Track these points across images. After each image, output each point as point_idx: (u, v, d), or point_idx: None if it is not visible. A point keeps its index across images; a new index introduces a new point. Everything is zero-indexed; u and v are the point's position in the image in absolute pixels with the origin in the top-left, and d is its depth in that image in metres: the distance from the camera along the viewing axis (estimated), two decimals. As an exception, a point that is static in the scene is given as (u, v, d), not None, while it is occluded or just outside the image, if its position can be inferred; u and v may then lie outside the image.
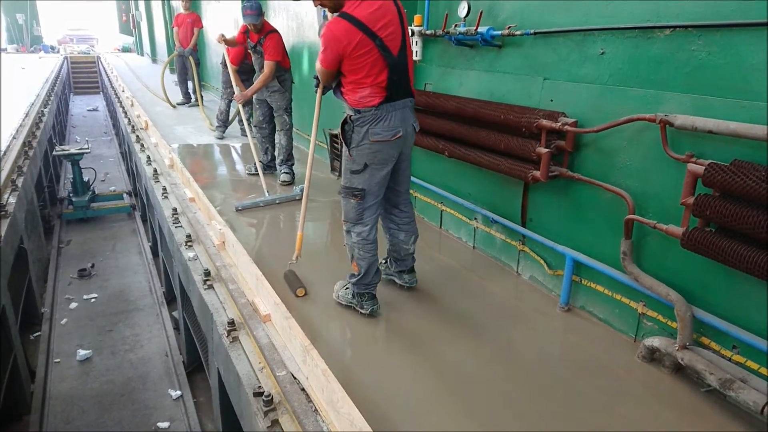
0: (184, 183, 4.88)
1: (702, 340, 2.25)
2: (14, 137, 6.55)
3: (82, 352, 4.79)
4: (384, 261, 3.14)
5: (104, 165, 11.25)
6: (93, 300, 5.87)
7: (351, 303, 2.87)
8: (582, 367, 2.42)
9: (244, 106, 5.59)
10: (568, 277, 2.77)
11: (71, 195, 7.88)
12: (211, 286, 3.16)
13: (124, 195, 8.70)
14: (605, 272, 2.57)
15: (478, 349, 2.54)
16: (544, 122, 2.60)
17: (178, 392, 4.39)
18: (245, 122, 5.61)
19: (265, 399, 2.17)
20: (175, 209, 4.38)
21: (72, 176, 7.86)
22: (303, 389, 2.23)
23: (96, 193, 8.36)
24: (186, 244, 3.77)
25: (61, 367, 4.65)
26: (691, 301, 2.23)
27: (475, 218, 3.52)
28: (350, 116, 2.58)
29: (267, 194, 4.87)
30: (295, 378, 2.29)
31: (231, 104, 7.26)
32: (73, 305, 5.71)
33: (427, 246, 3.69)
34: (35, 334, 4.97)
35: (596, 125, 2.49)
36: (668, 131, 2.19)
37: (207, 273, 3.22)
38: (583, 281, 2.78)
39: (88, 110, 17.59)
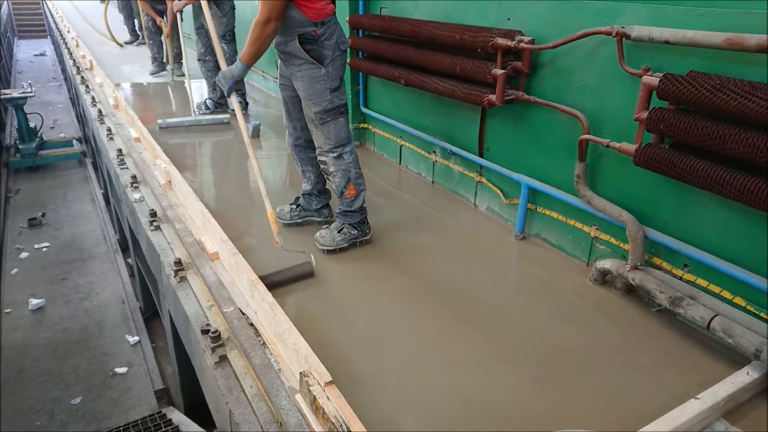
0: (129, 123, 4.62)
1: (654, 260, 2.24)
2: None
3: (34, 302, 4.64)
4: (295, 205, 2.98)
5: (53, 111, 10.69)
6: (45, 249, 5.66)
7: (354, 239, 2.72)
8: (535, 293, 2.40)
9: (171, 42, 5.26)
10: (524, 205, 2.72)
11: (17, 142, 7.46)
12: (158, 227, 3.03)
13: (74, 141, 8.30)
14: (560, 198, 2.53)
15: (431, 283, 2.48)
16: (500, 41, 2.46)
17: (136, 338, 4.31)
18: (169, 58, 5.26)
19: (212, 336, 2.09)
20: (120, 150, 4.16)
21: (17, 123, 7.43)
22: (251, 324, 2.16)
23: (44, 140, 7.96)
24: (132, 186, 3.60)
25: (12, 317, 4.50)
26: (643, 221, 2.20)
27: (434, 151, 3.41)
28: (312, 32, 2.37)
29: (194, 114, 4.71)
30: (243, 314, 2.21)
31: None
32: (24, 255, 5.49)
33: (386, 183, 3.59)
34: (-18, 285, 4.77)
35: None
36: (625, 45, 2.09)
37: (153, 214, 3.08)
38: (538, 209, 2.73)
39: (35, 55, 16.57)
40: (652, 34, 1.91)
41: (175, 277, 2.56)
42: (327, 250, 2.69)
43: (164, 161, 3.52)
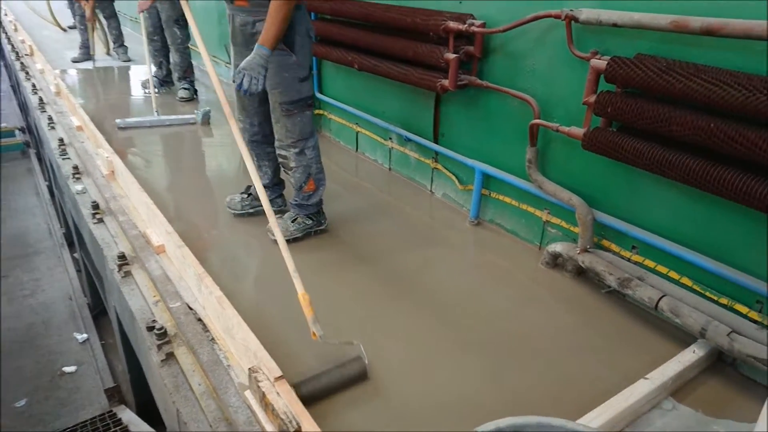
0: (71, 111, 4.39)
1: (603, 242, 2.27)
2: None
3: (-28, 301, 4.39)
4: (246, 194, 2.85)
5: (-8, 100, 10.09)
6: (-16, 245, 5.35)
7: (308, 229, 2.64)
8: (490, 279, 2.41)
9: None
10: (478, 191, 2.71)
11: (-49, 133, 7.02)
12: (101, 220, 2.89)
13: (17, 131, 7.85)
14: (513, 183, 2.53)
15: (389, 272, 2.44)
16: (452, 24, 2.42)
17: (84, 335, 4.13)
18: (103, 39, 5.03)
19: (157, 332, 2.01)
20: (61, 140, 3.96)
21: (-51, 112, 6.98)
22: (199, 319, 2.08)
23: (-18, 130, 7.50)
24: (74, 177, 3.42)
25: (-51, 317, 4.25)
26: (592, 204, 2.22)
27: (390, 138, 3.37)
28: None
29: (156, 114, 4.44)
30: (191, 309, 2.13)
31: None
32: (-39, 252, 5.18)
33: (343, 171, 3.53)
34: None
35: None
36: (574, 28, 2.08)
37: (95, 206, 2.94)
38: (492, 194, 2.73)
39: (-29, 40, 15.58)
40: (600, 17, 1.91)
41: (119, 271, 2.46)
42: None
43: (107, 150, 3.36)
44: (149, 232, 2.56)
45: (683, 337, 1.95)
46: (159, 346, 1.99)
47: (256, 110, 2.56)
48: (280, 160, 2.57)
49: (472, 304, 2.24)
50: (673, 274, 2.02)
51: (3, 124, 8.41)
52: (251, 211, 2.85)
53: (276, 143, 2.53)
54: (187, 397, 1.80)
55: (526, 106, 2.36)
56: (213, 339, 1.98)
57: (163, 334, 2.01)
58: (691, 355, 1.83)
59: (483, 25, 2.41)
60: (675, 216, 1.99)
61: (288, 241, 2.55)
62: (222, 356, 1.89)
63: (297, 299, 1.91)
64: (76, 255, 4.87)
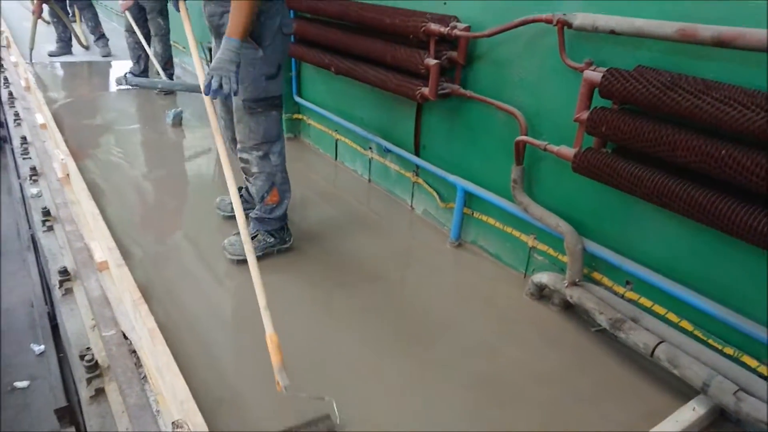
0: (37, 107, 4.13)
1: (594, 275, 2.03)
2: None
3: None
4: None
5: (-27, 92, 9.82)
6: (-54, 246, 5.08)
7: (271, 247, 2.41)
8: (470, 307, 2.17)
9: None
10: (459, 209, 2.47)
11: (-77, 126, 6.74)
12: (50, 228, 2.67)
13: (-8, 126, 7.58)
14: (496, 203, 2.29)
15: (362, 293, 2.21)
16: (433, 27, 2.18)
17: (42, 347, 3.87)
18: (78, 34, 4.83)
19: (87, 364, 1.77)
20: (24, 138, 3.72)
21: None
22: (134, 351, 1.83)
23: (-43, 123, 7.23)
24: (31, 179, 3.18)
25: None
26: (582, 232, 1.98)
27: (370, 147, 3.13)
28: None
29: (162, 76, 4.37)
30: (126, 338, 1.88)
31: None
32: None
33: (322, 180, 3.29)
34: None
35: (491, 31, 2.10)
36: (567, 35, 1.85)
37: (46, 212, 2.71)
38: (474, 214, 2.49)
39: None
40: (597, 23, 1.67)
41: (59, 288, 2.23)
42: (237, 260, 2.36)
43: (63, 152, 3.11)
44: (93, 245, 2.31)
45: (682, 389, 1.71)
46: (89, 380, 1.76)
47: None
48: (241, 165, 2.33)
49: (451, 334, 2.01)
50: (672, 316, 1.79)
51: (-20, 118, 8.15)
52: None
53: (238, 146, 2.30)
54: (110, 445, 1.56)
55: (512, 119, 2.12)
56: (146, 377, 1.74)
57: (93, 366, 1.77)
58: (690, 413, 1.59)
59: (467, 29, 2.17)
60: (675, 251, 1.75)
61: (244, 261, 2.31)
62: (152, 399, 1.65)
63: (262, 336, 1.65)
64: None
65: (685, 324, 1.75)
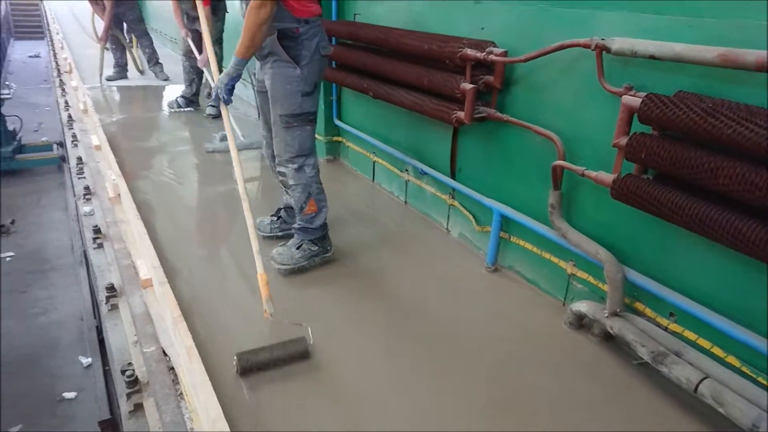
0: (92, 129, 4.36)
1: (636, 305, 1.96)
2: None
3: (-14, 316, 4.36)
4: (275, 217, 2.78)
5: (39, 114, 10.44)
6: (8, 259, 5.39)
7: (314, 257, 2.51)
8: (503, 333, 2.13)
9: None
10: (496, 234, 2.44)
11: (-6, 145, 7.21)
12: (100, 245, 2.78)
13: (54, 146, 8.04)
14: (534, 228, 2.25)
15: (395, 315, 2.21)
16: (469, 52, 2.19)
17: (89, 360, 4.03)
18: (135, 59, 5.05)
19: (127, 379, 1.82)
20: (79, 158, 3.92)
21: (-6, 124, 7.18)
22: (172, 368, 1.88)
23: (22, 143, 7.69)
24: (84, 197, 3.34)
25: (-40, 332, 4.22)
26: (624, 260, 1.92)
27: (407, 170, 3.14)
28: (293, 29, 2.18)
29: (240, 137, 4.39)
30: (166, 355, 1.94)
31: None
32: (-16, 265, 5.22)
33: (358, 202, 3.32)
34: (-67, 296, 4.48)
35: (528, 56, 2.10)
36: (606, 59, 1.82)
37: (97, 230, 2.83)
38: (511, 238, 2.45)
39: (29, 56, 16.38)
40: (635, 48, 1.64)
41: (106, 303, 2.31)
42: (285, 270, 2.45)
43: (114, 172, 3.26)
44: (138, 263, 2.40)
45: (729, 428, 1.62)
46: (128, 395, 1.81)
47: None
48: (279, 178, 2.49)
49: (484, 359, 1.98)
50: (718, 351, 1.70)
51: (44, 138, 8.65)
52: (280, 233, 2.76)
53: (276, 159, 2.45)
54: (148, 461, 1.60)
55: (550, 144, 2.10)
56: (182, 394, 1.78)
57: (133, 382, 1.82)
58: (738, 456, 1.50)
59: (504, 54, 2.18)
60: (722, 282, 1.67)
61: (294, 271, 2.46)
62: (187, 416, 1.69)
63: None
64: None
65: (731, 359, 1.66)
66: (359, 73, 3.04)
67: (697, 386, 1.59)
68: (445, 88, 2.32)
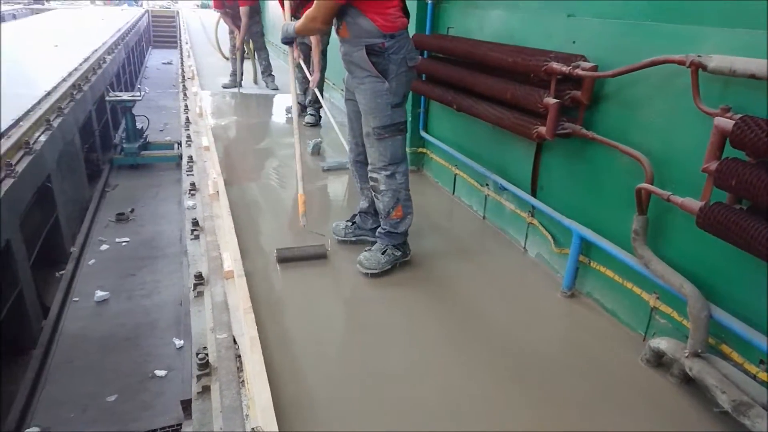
0: (204, 131, 4.74)
1: (722, 347, 1.77)
2: (65, 79, 6.69)
3: (99, 293, 4.88)
4: (350, 222, 2.85)
5: (166, 116, 11.55)
6: (124, 244, 6.00)
7: (396, 260, 2.60)
8: (574, 363, 2.01)
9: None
10: (574, 257, 2.32)
11: (123, 141, 8.09)
12: (197, 237, 3.00)
13: (176, 145, 8.83)
14: (616, 255, 2.11)
15: (460, 334, 2.18)
16: (554, 66, 2.12)
17: (181, 342, 4.37)
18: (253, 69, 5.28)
19: (199, 362, 1.95)
20: (190, 157, 4.27)
21: (125, 124, 8.06)
22: (239, 356, 1.99)
23: (148, 141, 8.55)
24: (189, 192, 3.63)
25: (78, 306, 4.76)
26: (712, 298, 1.75)
27: (487, 184, 3.09)
28: (380, 44, 2.28)
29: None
30: (235, 343, 2.06)
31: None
32: (104, 247, 5.85)
33: (437, 213, 3.31)
34: (60, 272, 5.11)
35: (619, 72, 1.98)
36: (703, 78, 1.68)
37: (195, 222, 3.06)
38: (591, 263, 2.32)
39: (163, 63, 18.19)
40: (735, 66, 1.50)
41: (193, 290, 2.49)
42: (371, 274, 2.54)
43: (216, 172, 3.52)
44: (225, 255, 2.56)
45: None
46: (198, 377, 1.93)
47: (360, 131, 2.60)
48: (371, 183, 2.56)
49: (549, 388, 1.88)
50: (817, 410, 1.49)
51: (167, 138, 9.56)
52: (353, 239, 2.86)
53: (369, 167, 2.54)
54: (207, 441, 1.71)
55: (637, 165, 1.97)
56: (243, 381, 1.87)
57: (204, 365, 1.95)
58: None
59: (594, 68, 2.08)
60: (826, 332, 1.47)
61: (377, 274, 2.56)
62: (245, 403, 1.77)
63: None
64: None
65: (833, 422, 1.45)
66: (445, 85, 3.04)
67: (786, 447, 1.40)
68: (527, 102, 2.26)
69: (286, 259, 2.65)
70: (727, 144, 1.53)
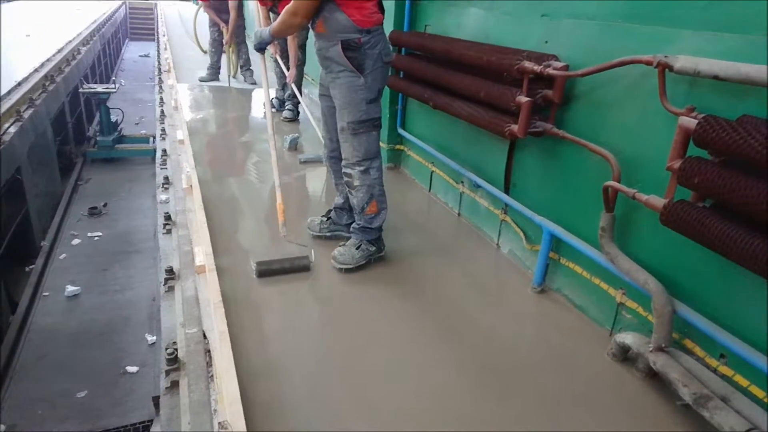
0: (179, 124, 4.68)
1: (685, 342, 1.82)
2: (37, 70, 6.53)
3: (70, 288, 4.79)
4: (325, 218, 2.86)
5: (142, 109, 11.36)
6: (96, 238, 5.89)
7: (370, 255, 2.61)
8: (543, 358, 2.04)
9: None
10: (544, 253, 2.35)
11: (97, 134, 7.93)
12: (169, 231, 2.97)
13: (151, 139, 8.70)
14: (584, 252, 2.15)
15: (434, 330, 2.19)
16: (527, 65, 2.14)
17: (154, 338, 4.31)
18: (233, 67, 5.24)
19: (167, 357, 1.93)
20: (164, 150, 4.22)
21: (99, 116, 7.90)
22: (208, 351, 1.98)
23: (123, 134, 8.40)
24: (163, 186, 3.59)
25: (49, 301, 4.66)
26: (677, 294, 1.79)
27: (462, 182, 3.11)
28: (356, 39, 2.28)
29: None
30: (205, 337, 2.04)
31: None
32: (76, 242, 5.73)
33: (413, 211, 3.33)
34: (30, 267, 5.00)
35: (590, 71, 2.02)
36: (672, 79, 1.72)
37: (167, 217, 3.03)
38: (561, 260, 2.36)
39: (140, 56, 17.88)
40: (699, 67, 1.54)
41: (164, 285, 2.46)
42: (345, 269, 2.55)
43: (189, 165, 3.48)
44: (196, 250, 2.54)
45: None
46: (167, 372, 1.92)
47: (335, 127, 2.59)
48: (345, 179, 2.56)
49: (517, 384, 1.91)
50: (773, 402, 1.54)
51: (143, 131, 9.40)
52: (328, 234, 2.86)
53: (343, 162, 2.54)
54: (173, 436, 1.69)
55: (606, 163, 2.00)
56: (212, 376, 1.86)
57: (173, 360, 1.93)
58: None
59: (565, 68, 2.11)
60: (782, 326, 1.52)
61: (351, 270, 2.56)
62: (213, 398, 1.76)
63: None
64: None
65: (788, 414, 1.50)
66: (422, 83, 3.06)
67: (742, 438, 1.44)
68: (500, 101, 2.28)
69: (266, 273, 2.48)
70: (691, 144, 1.57)
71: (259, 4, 4.01)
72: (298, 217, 3.09)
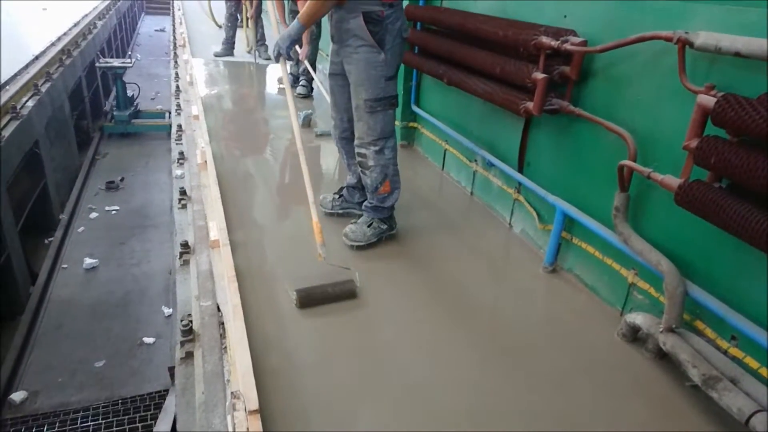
0: (194, 100, 4.69)
1: (696, 323, 1.81)
2: (53, 44, 6.56)
3: (88, 261, 4.88)
4: (338, 195, 2.85)
5: (158, 84, 11.36)
6: (114, 212, 5.97)
7: (382, 233, 2.60)
8: (553, 338, 2.05)
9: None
10: (557, 233, 2.34)
11: (114, 109, 7.98)
12: (184, 206, 3.00)
13: (167, 114, 8.72)
14: (597, 232, 2.13)
15: (444, 308, 2.20)
16: (543, 40, 2.10)
17: (170, 310, 4.39)
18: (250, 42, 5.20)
19: (182, 328, 1.98)
20: (180, 126, 4.22)
21: (115, 91, 7.94)
22: (222, 323, 2.02)
23: (139, 109, 8.44)
24: (178, 162, 3.61)
25: (67, 273, 4.76)
26: (690, 275, 1.78)
27: (475, 160, 3.09)
28: (379, 12, 2.21)
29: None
30: (219, 310, 2.08)
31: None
32: (94, 215, 5.82)
33: (426, 190, 3.32)
34: (49, 239, 5.09)
35: (608, 48, 1.97)
36: (691, 55, 1.68)
37: (182, 192, 3.05)
38: (573, 240, 2.34)
39: (156, 30, 17.82)
40: (721, 43, 1.50)
41: (179, 258, 2.49)
42: (356, 246, 2.55)
43: (204, 141, 3.49)
44: (210, 225, 2.57)
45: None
46: (182, 343, 1.96)
47: (345, 106, 2.55)
48: (358, 159, 2.53)
49: (527, 362, 1.92)
50: (783, 385, 1.53)
51: (159, 106, 9.43)
52: (340, 211, 2.85)
53: (356, 141, 2.50)
54: (189, 404, 1.74)
55: (623, 142, 1.97)
56: (226, 348, 1.90)
57: (188, 331, 1.97)
58: (787, 501, 1.35)
59: (583, 44, 2.06)
60: (796, 310, 1.50)
61: (363, 247, 2.56)
62: (226, 369, 1.80)
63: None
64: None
65: (798, 396, 1.49)
66: (437, 58, 3.02)
67: (749, 418, 1.44)
68: (516, 77, 2.25)
69: (308, 302, 2.14)
70: (709, 122, 1.54)
71: (275, 2, 3.93)
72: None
